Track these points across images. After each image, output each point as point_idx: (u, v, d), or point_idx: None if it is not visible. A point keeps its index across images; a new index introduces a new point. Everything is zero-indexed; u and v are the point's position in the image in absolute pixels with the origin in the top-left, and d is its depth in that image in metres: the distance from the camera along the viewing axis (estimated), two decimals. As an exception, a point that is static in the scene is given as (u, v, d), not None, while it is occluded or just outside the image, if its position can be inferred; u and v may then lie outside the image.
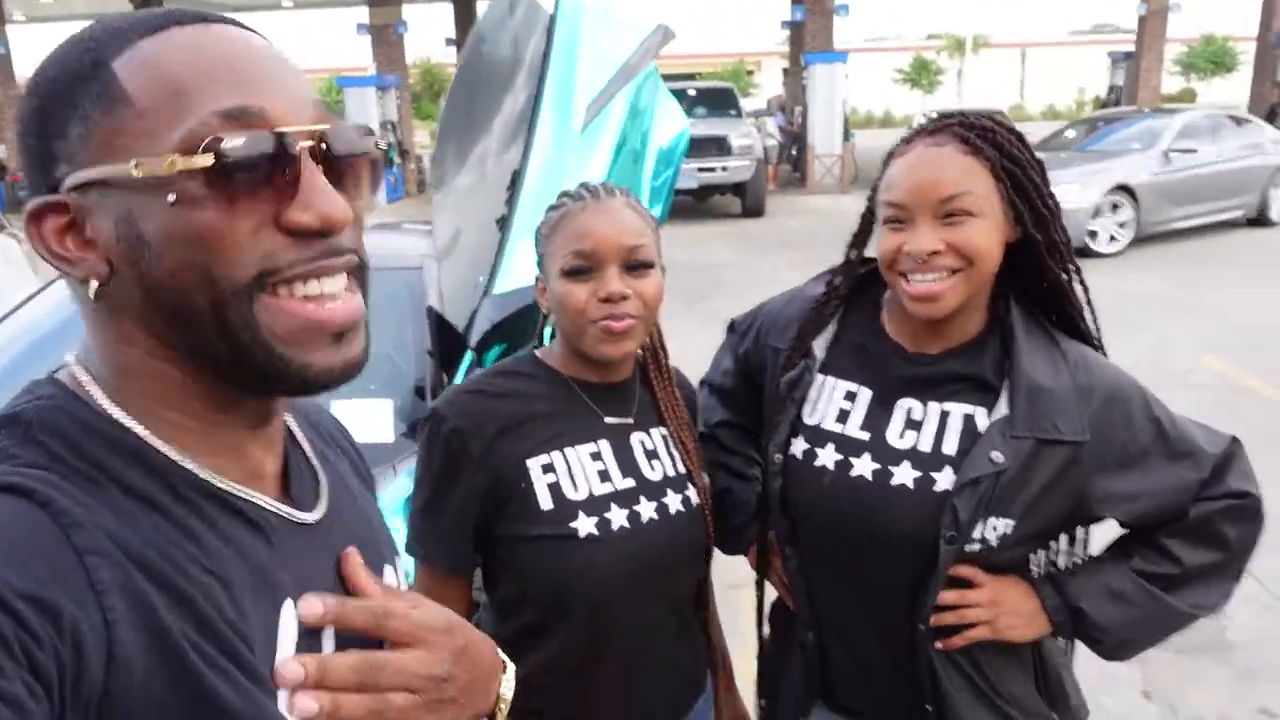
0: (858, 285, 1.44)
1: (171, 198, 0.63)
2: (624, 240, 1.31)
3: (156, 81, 0.64)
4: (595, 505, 1.33)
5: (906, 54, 50.23)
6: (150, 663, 0.59)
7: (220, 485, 0.69)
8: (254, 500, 0.71)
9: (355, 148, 0.71)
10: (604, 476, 1.36)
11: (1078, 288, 1.36)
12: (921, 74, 48.64)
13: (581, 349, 1.35)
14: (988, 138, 1.26)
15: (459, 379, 2.36)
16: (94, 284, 0.66)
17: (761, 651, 1.60)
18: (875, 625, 1.37)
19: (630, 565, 1.33)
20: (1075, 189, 9.95)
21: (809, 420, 1.39)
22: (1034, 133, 12.31)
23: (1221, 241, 11.00)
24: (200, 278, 0.64)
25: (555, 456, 1.34)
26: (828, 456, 1.36)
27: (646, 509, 1.37)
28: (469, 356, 2.43)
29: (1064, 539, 1.43)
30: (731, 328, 1.61)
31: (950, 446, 1.29)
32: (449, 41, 22.89)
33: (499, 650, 0.87)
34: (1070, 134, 12.84)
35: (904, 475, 1.30)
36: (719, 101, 16.22)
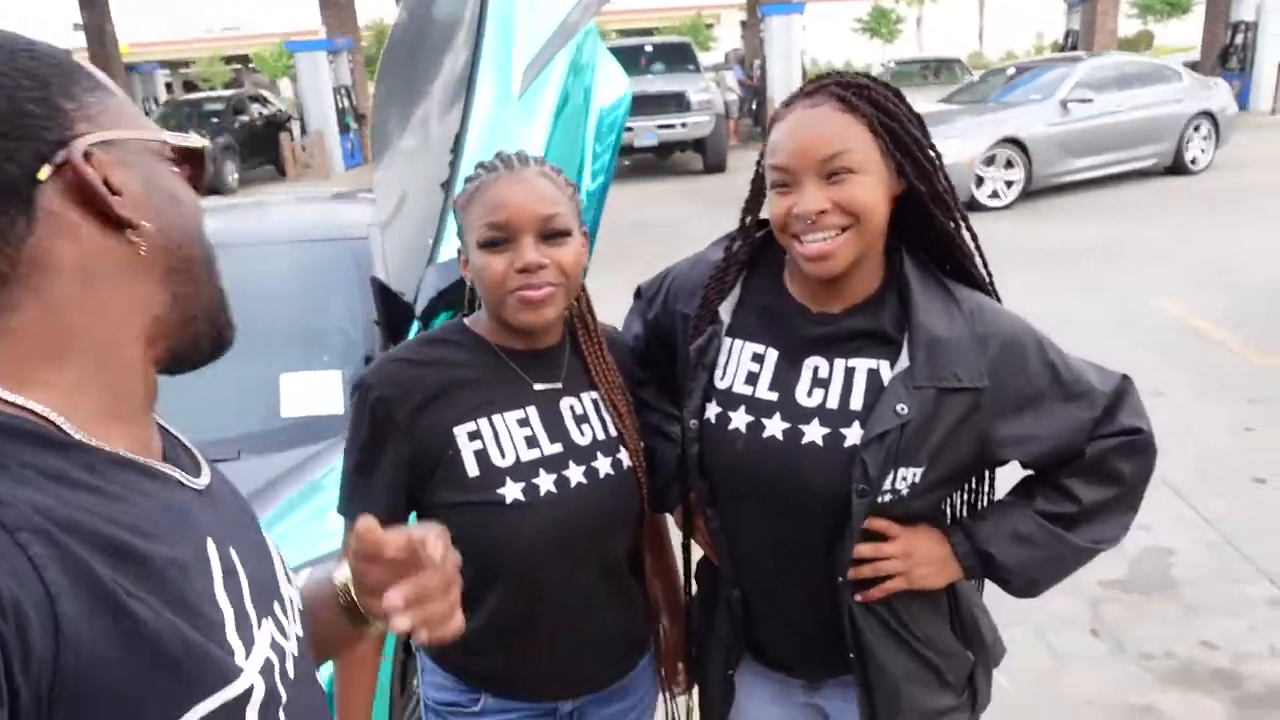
0: (759, 247, 1.46)
1: (174, 168, 0.79)
2: (538, 209, 1.32)
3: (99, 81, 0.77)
4: (522, 471, 1.35)
5: (866, 4, 49.92)
6: (97, 626, 0.60)
7: (123, 454, 0.71)
8: (154, 464, 0.74)
9: None
10: (531, 442, 1.37)
11: (966, 236, 1.40)
12: (881, 23, 48.38)
13: (503, 318, 1.36)
14: (864, 95, 1.28)
15: (405, 349, 2.35)
16: (140, 231, 0.74)
17: (689, 608, 1.64)
18: (796, 580, 1.41)
19: (558, 530, 1.35)
20: (955, 143, 9.99)
21: (720, 384, 1.41)
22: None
23: (1140, 190, 10.96)
24: (197, 237, 0.79)
25: (482, 424, 1.35)
26: (740, 419, 1.38)
27: (575, 473, 1.38)
28: (416, 326, 2.42)
29: (972, 481, 1.49)
30: (638, 294, 1.63)
31: (857, 402, 1.33)
32: (399, 1, 22.34)
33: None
34: (983, 86, 12.82)
35: (814, 433, 1.33)
36: (676, 57, 16.07)
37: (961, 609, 1.47)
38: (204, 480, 0.81)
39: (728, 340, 1.43)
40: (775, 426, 1.36)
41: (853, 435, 1.31)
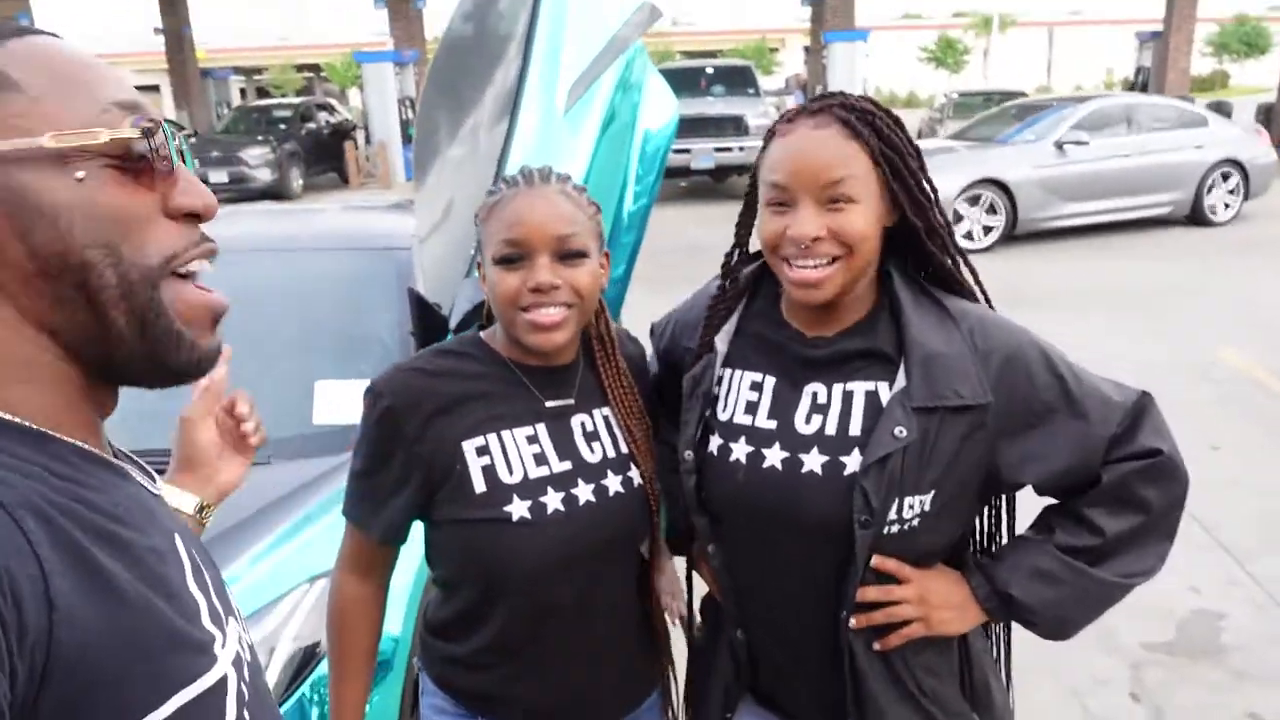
0: (756, 275, 1.43)
1: (80, 174, 0.68)
2: (555, 229, 1.30)
3: (43, 71, 0.69)
4: (529, 489, 1.33)
5: (934, 32, 49.62)
6: (88, 604, 0.61)
7: (87, 447, 0.72)
8: (119, 463, 0.76)
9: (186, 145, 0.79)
10: (540, 460, 1.36)
11: (966, 273, 1.36)
12: (947, 53, 48.03)
13: (514, 336, 1.34)
14: (868, 121, 1.25)
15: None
16: None
17: (690, 642, 1.59)
18: (802, 620, 1.35)
19: (565, 549, 1.33)
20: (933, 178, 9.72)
21: (721, 416, 1.38)
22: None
23: (1164, 237, 10.49)
24: (109, 255, 0.69)
25: (491, 439, 1.34)
26: (740, 450, 1.34)
27: (584, 491, 1.36)
28: (449, 338, 2.42)
29: (989, 514, 1.42)
30: (651, 331, 1.60)
31: (856, 427, 1.28)
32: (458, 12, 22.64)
33: None
34: (996, 123, 12.02)
35: (813, 462, 1.29)
36: (737, 80, 16.08)
37: (974, 668, 1.40)
38: (156, 489, 0.82)
39: (726, 371, 1.40)
40: (775, 456, 1.32)
41: (853, 463, 1.26)
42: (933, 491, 1.26)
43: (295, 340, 2.82)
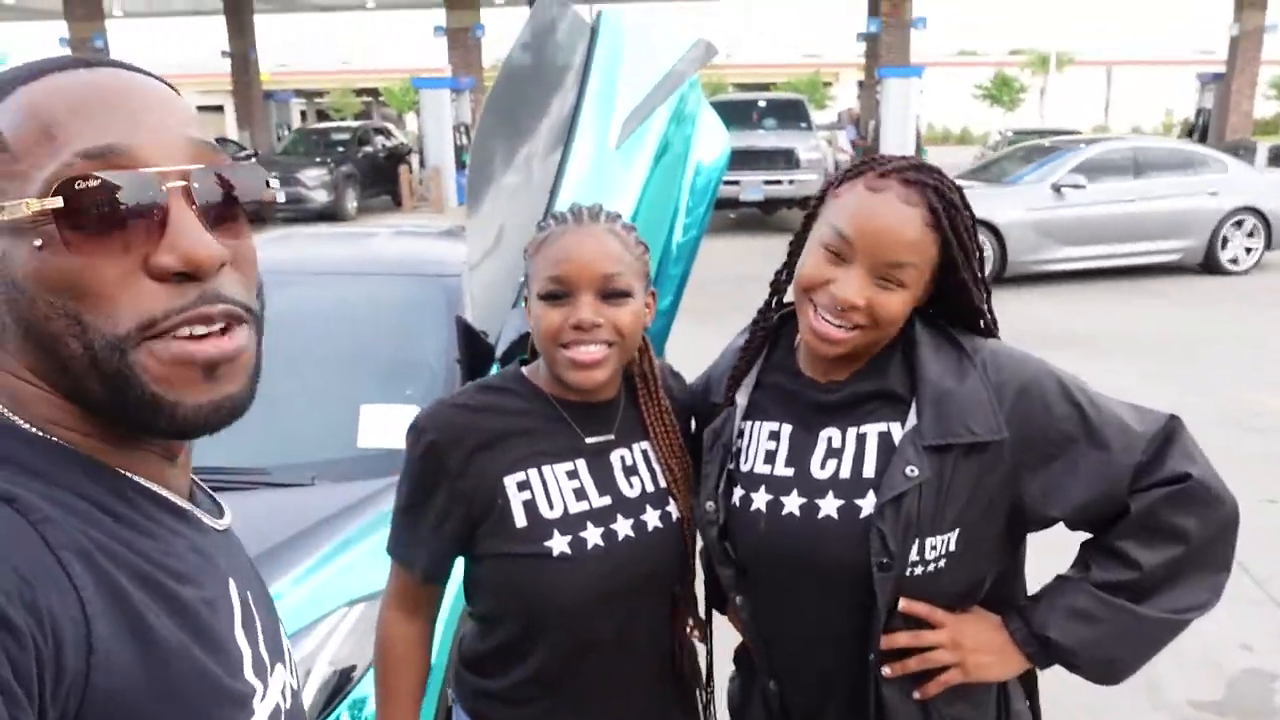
0: (776, 327, 1.43)
1: (37, 242, 0.63)
2: (600, 267, 1.30)
3: (27, 125, 0.65)
4: (569, 524, 1.33)
5: (989, 69, 49.38)
6: (127, 651, 0.60)
7: (153, 487, 0.71)
8: (181, 502, 0.74)
9: (240, 188, 0.71)
10: (580, 495, 1.36)
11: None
12: (1003, 91, 47.75)
13: (555, 372, 1.35)
14: (950, 217, 1.24)
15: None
16: None
17: (714, 684, 1.57)
18: (829, 668, 1.33)
19: (605, 584, 1.33)
20: None
21: (744, 468, 1.37)
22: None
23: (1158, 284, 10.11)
24: (72, 325, 0.64)
25: (532, 474, 1.35)
26: (761, 499, 1.33)
27: (623, 526, 1.36)
28: (496, 367, 2.43)
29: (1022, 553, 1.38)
30: (692, 392, 1.59)
31: (870, 469, 1.26)
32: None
33: None
34: (1007, 163, 11.73)
35: (829, 506, 1.27)
36: (789, 113, 16.10)
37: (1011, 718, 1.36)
38: (224, 522, 0.81)
39: (746, 423, 1.40)
40: (793, 503, 1.30)
41: (868, 505, 1.24)
42: (956, 531, 1.23)
43: (342, 363, 2.85)
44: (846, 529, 1.25)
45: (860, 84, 24.20)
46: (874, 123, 18.90)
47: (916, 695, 1.28)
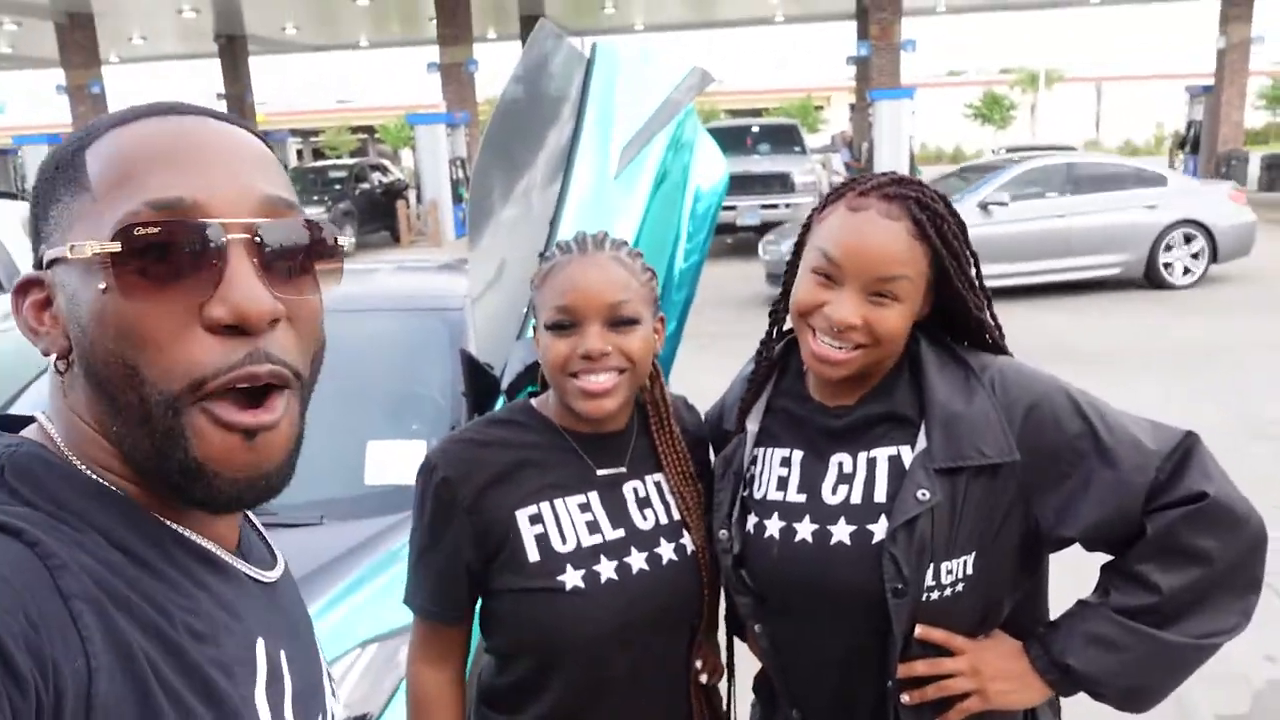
0: (784, 353, 1.42)
1: (102, 285, 0.64)
2: (607, 296, 1.30)
3: (110, 169, 0.67)
4: (583, 558, 1.32)
5: (979, 89, 49.73)
6: (127, 713, 0.59)
7: (190, 536, 0.71)
8: (219, 553, 0.73)
9: (307, 245, 0.71)
10: (593, 528, 1.34)
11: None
12: (993, 109, 48.05)
13: (565, 403, 1.34)
14: (936, 226, 1.24)
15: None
16: (52, 358, 0.69)
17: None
18: (849, 696, 1.31)
19: (620, 618, 1.31)
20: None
21: (756, 495, 1.36)
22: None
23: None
24: (129, 375, 0.65)
25: (544, 507, 1.33)
26: (774, 526, 1.32)
27: (637, 560, 1.35)
28: (501, 400, 2.42)
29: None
30: (706, 420, 1.58)
31: (881, 494, 1.25)
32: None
33: None
34: (950, 183, 11.54)
35: (841, 532, 1.26)
36: (782, 138, 16.20)
37: None
38: (273, 574, 0.79)
39: (759, 450, 1.39)
40: (805, 530, 1.29)
41: (880, 530, 1.23)
42: (972, 554, 1.21)
43: (347, 400, 2.84)
44: (859, 554, 1.23)
45: (852, 106, 24.38)
46: (867, 145, 18.98)
47: None
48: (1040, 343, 7.86)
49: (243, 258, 0.66)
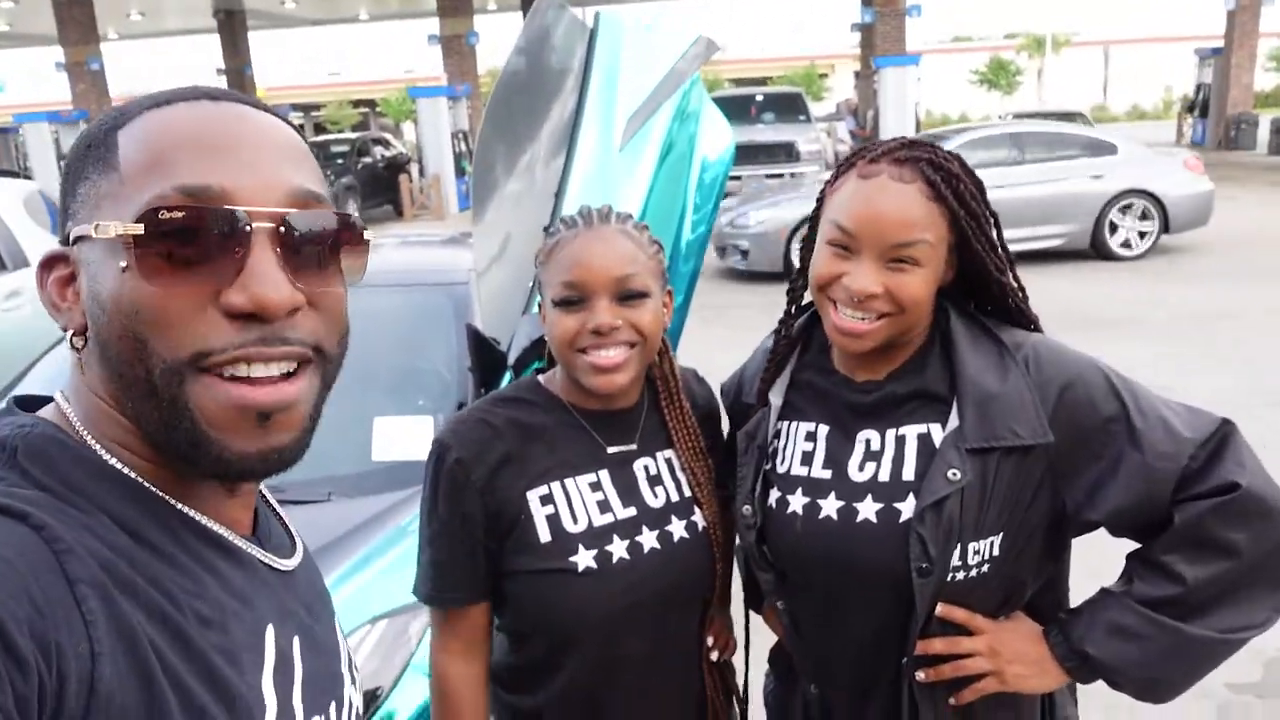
0: (808, 324, 1.40)
1: (123, 264, 0.65)
2: (615, 270, 1.27)
3: (141, 151, 0.67)
4: (595, 537, 1.31)
5: (985, 55, 49.21)
6: (129, 696, 0.59)
7: (202, 520, 0.71)
8: (232, 539, 0.73)
9: (334, 235, 0.71)
10: (604, 507, 1.33)
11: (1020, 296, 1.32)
12: (999, 75, 47.56)
13: (574, 379, 1.32)
14: (952, 185, 1.20)
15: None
16: (70, 334, 0.69)
17: (745, 690, 1.54)
18: (869, 673, 1.30)
19: (632, 597, 1.31)
20: (768, 212, 9.86)
21: (779, 469, 1.34)
22: (1119, 134, 11.82)
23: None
24: (138, 349, 0.65)
25: (554, 487, 1.32)
26: (797, 502, 1.30)
27: (649, 539, 1.34)
28: (508, 375, 2.40)
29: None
30: (723, 392, 1.56)
31: (909, 472, 1.23)
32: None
33: None
34: None
35: (867, 510, 1.24)
36: (787, 106, 16.10)
37: None
38: (291, 562, 0.79)
39: (782, 424, 1.36)
40: (830, 506, 1.27)
41: (907, 509, 1.21)
42: (1000, 535, 1.20)
43: (353, 376, 2.82)
44: (885, 533, 1.22)
45: (857, 74, 24.14)
46: (872, 112, 18.84)
47: (951, 701, 1.25)
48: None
49: (266, 247, 0.67)
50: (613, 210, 1.35)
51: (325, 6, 29.61)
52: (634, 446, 1.38)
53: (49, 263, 0.71)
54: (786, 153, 14.36)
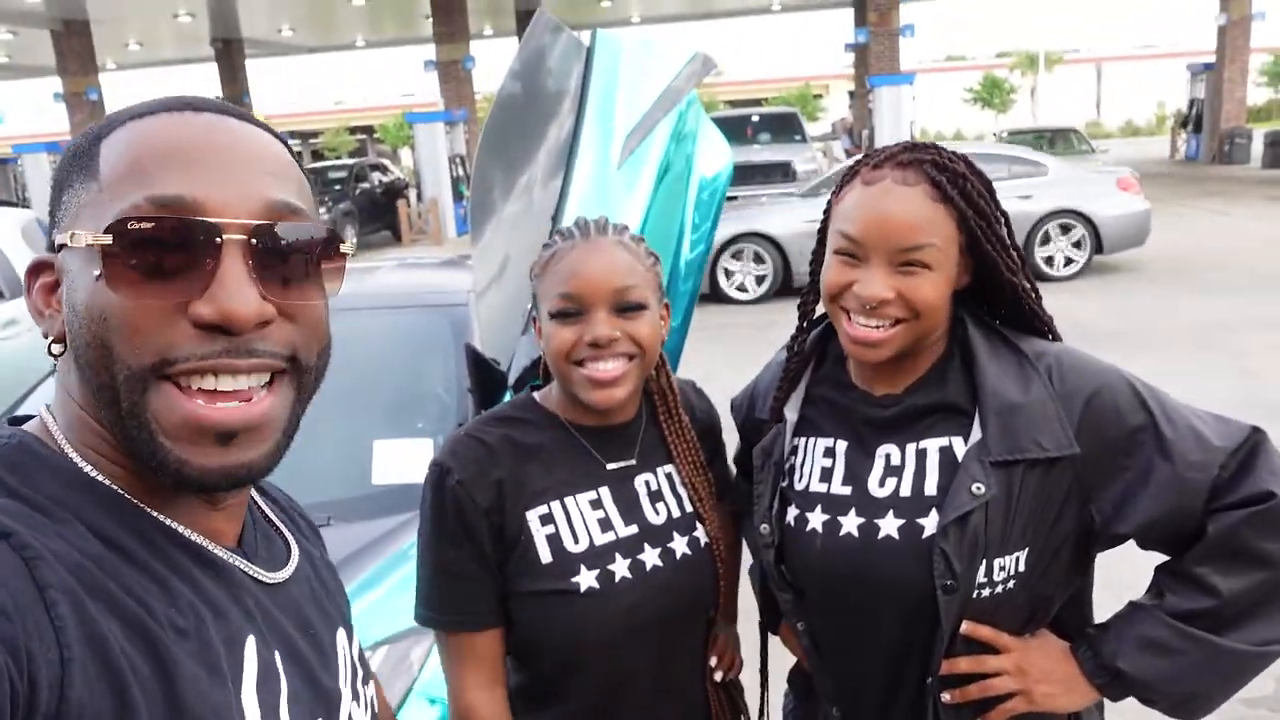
0: (822, 338, 1.37)
1: (96, 272, 0.64)
2: (613, 281, 1.25)
3: (120, 161, 0.68)
4: (596, 557, 1.28)
5: (977, 74, 49.53)
6: (103, 707, 0.58)
7: (179, 529, 0.70)
8: (211, 549, 0.72)
9: (310, 249, 0.71)
10: (605, 525, 1.30)
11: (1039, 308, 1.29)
12: (993, 93, 47.86)
13: (572, 393, 1.30)
14: (958, 185, 1.18)
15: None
16: (50, 341, 0.70)
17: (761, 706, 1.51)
18: (892, 694, 1.27)
19: (636, 616, 1.28)
20: None
21: (798, 486, 1.31)
22: (1113, 150, 11.83)
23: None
24: (104, 355, 0.65)
25: (554, 506, 1.29)
26: (817, 519, 1.27)
27: (651, 556, 1.31)
28: (509, 395, 2.39)
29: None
30: (732, 407, 1.53)
31: (931, 487, 1.20)
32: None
33: None
34: (827, 185, 11.59)
35: (889, 526, 1.21)
36: (783, 127, 16.18)
37: None
38: (282, 574, 0.78)
39: (799, 440, 1.34)
40: (851, 523, 1.24)
41: (930, 524, 1.18)
42: (1025, 550, 1.17)
43: (352, 399, 2.81)
44: (908, 550, 1.19)
45: (851, 94, 24.30)
46: (868, 131, 18.91)
47: None
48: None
49: (237, 259, 0.66)
50: (609, 221, 1.33)
51: (322, 34, 29.79)
52: (633, 462, 1.36)
53: (35, 269, 0.71)
54: (783, 172, 14.40)
